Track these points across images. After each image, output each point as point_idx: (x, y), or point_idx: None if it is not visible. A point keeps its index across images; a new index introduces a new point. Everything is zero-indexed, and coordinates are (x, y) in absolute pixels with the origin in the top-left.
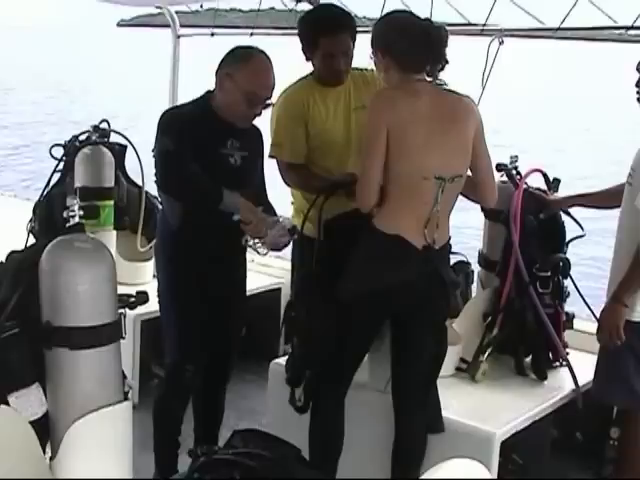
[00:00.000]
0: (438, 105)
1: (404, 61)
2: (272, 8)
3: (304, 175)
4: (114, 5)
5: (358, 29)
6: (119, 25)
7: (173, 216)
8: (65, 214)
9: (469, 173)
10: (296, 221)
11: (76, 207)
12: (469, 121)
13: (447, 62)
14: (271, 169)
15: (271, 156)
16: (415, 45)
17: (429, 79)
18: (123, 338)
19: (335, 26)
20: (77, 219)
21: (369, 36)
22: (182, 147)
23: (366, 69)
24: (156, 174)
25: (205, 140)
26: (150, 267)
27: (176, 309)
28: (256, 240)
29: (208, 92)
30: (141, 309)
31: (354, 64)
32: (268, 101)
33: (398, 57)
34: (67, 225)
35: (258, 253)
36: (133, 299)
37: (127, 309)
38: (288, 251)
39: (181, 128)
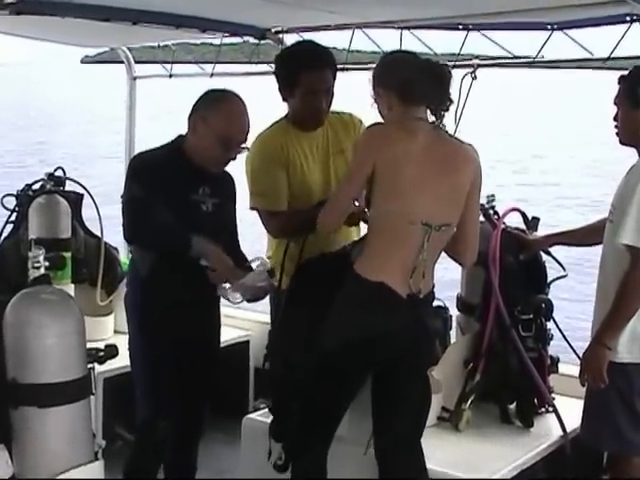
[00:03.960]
0: (434, 149)
1: (406, 91)
2: (232, 44)
3: (285, 218)
4: (76, 46)
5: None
6: (83, 62)
7: (143, 264)
8: (30, 265)
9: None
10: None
11: (41, 257)
12: (466, 171)
13: (452, 102)
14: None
15: (252, 208)
16: (417, 74)
17: (432, 119)
18: (93, 394)
19: (318, 61)
20: (42, 270)
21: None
22: (151, 194)
23: (343, 112)
24: (122, 222)
25: (176, 186)
26: (111, 322)
27: (146, 360)
28: (229, 288)
29: (180, 136)
30: (103, 366)
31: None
32: (243, 145)
33: (399, 88)
34: (33, 277)
35: (232, 303)
36: (102, 353)
37: (96, 363)
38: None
39: (151, 174)
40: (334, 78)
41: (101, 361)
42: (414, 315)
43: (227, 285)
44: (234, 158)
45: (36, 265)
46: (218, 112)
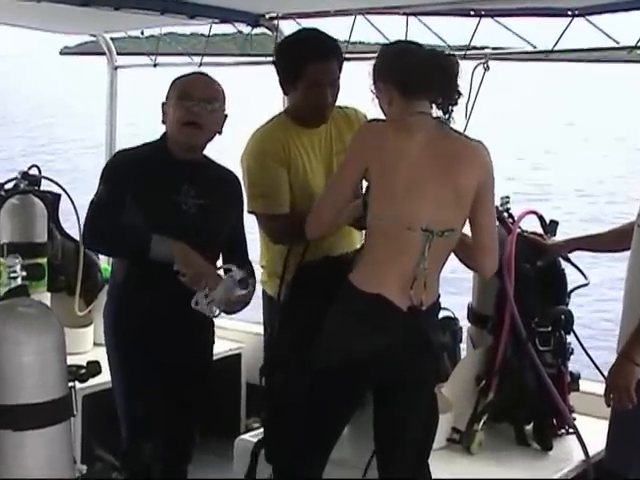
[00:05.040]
0: (435, 147)
1: (405, 83)
2: (224, 34)
3: (287, 222)
4: (54, 33)
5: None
6: (62, 53)
7: (119, 269)
8: (6, 275)
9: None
10: (269, 286)
11: (18, 267)
12: (472, 169)
13: (460, 95)
14: None
15: (251, 212)
16: (416, 65)
17: (440, 115)
18: (74, 415)
19: (324, 51)
20: (19, 281)
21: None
22: (116, 197)
23: (347, 107)
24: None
25: (154, 186)
26: (90, 334)
27: (124, 376)
28: (208, 298)
29: (165, 133)
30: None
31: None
32: (212, 108)
33: (399, 80)
34: (8, 288)
35: (207, 315)
36: (84, 370)
37: (77, 382)
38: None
39: (126, 173)
40: (340, 70)
41: (83, 379)
42: (416, 329)
43: (202, 293)
44: (210, 132)
45: (12, 275)
46: (176, 84)
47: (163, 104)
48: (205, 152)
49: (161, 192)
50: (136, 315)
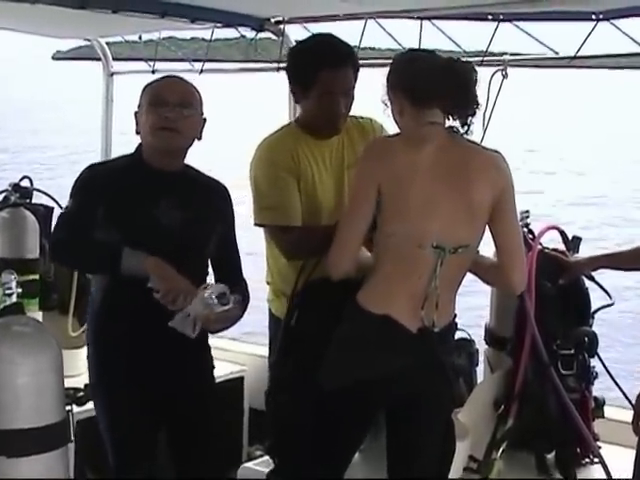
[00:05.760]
0: (446, 157)
1: (415, 91)
2: (227, 39)
3: (302, 234)
4: (46, 37)
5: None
6: (55, 58)
7: (96, 290)
8: (0, 292)
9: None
10: (275, 305)
11: (13, 283)
12: (486, 180)
13: (478, 104)
14: None
15: (259, 224)
16: (426, 71)
17: (454, 125)
18: (71, 441)
19: (338, 57)
20: (14, 298)
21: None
22: (85, 210)
23: (362, 117)
24: None
25: (127, 198)
26: (84, 355)
27: (103, 405)
28: (182, 314)
29: (141, 144)
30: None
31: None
32: (188, 114)
33: (408, 88)
34: (3, 305)
35: (185, 333)
36: (81, 393)
37: (74, 405)
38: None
39: (95, 188)
40: (355, 79)
41: (80, 403)
42: (427, 351)
43: (182, 314)
44: (188, 137)
45: (8, 292)
46: (148, 90)
47: (135, 113)
48: (210, 163)
49: (137, 206)
50: (116, 343)
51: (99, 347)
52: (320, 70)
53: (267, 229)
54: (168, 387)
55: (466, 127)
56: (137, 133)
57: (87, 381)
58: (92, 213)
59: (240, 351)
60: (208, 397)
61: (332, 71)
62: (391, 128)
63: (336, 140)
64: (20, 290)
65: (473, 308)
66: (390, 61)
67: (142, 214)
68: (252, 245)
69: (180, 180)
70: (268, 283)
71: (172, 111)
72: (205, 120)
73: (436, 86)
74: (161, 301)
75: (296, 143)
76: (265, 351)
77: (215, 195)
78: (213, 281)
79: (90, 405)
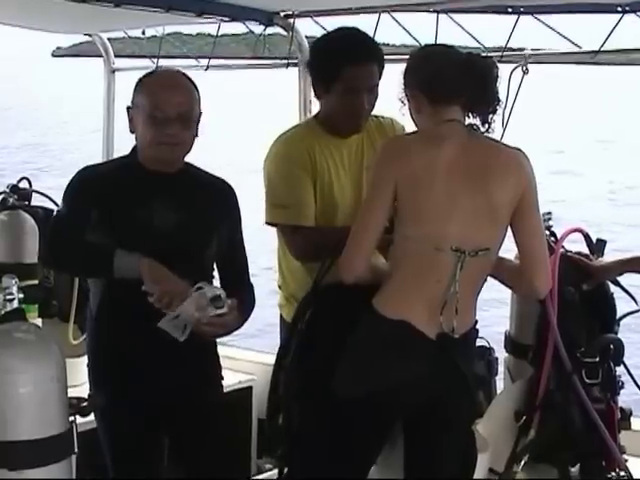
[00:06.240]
0: (465, 156)
1: (432, 88)
2: (234, 34)
3: (314, 234)
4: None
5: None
6: (54, 55)
7: (94, 295)
8: (1, 297)
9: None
10: (286, 311)
11: (14, 289)
12: (507, 181)
13: (499, 101)
14: None
15: (271, 223)
16: (445, 67)
17: (474, 122)
18: (75, 453)
19: (364, 52)
20: (16, 304)
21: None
22: (78, 212)
23: (384, 117)
24: None
25: (122, 200)
26: (85, 364)
27: (103, 419)
28: (173, 316)
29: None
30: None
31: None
32: (189, 124)
33: (426, 84)
34: (3, 311)
35: (174, 336)
36: (85, 403)
37: (78, 416)
38: (261, 340)
39: (88, 190)
40: (380, 75)
41: (84, 413)
42: (446, 359)
43: (172, 315)
44: (184, 147)
45: (9, 297)
46: (141, 88)
47: (129, 108)
48: (215, 161)
49: (131, 208)
50: (114, 351)
51: (98, 356)
52: (344, 65)
53: (278, 228)
54: (171, 398)
55: (487, 125)
56: (132, 132)
57: (87, 391)
58: (85, 216)
59: (248, 359)
60: (214, 409)
61: (356, 66)
62: (408, 127)
63: (356, 139)
64: (22, 295)
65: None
66: (405, 57)
67: (136, 217)
68: None
69: (177, 181)
70: (279, 287)
71: (172, 127)
72: (201, 113)
73: (455, 83)
74: (156, 305)
75: (314, 140)
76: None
77: (218, 194)
78: (219, 284)
79: (90, 417)
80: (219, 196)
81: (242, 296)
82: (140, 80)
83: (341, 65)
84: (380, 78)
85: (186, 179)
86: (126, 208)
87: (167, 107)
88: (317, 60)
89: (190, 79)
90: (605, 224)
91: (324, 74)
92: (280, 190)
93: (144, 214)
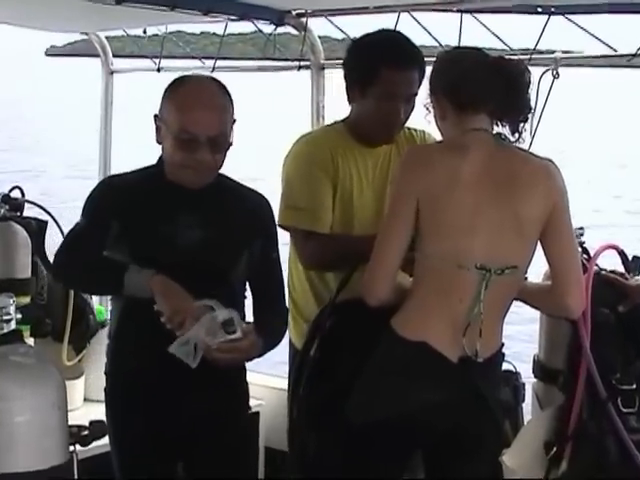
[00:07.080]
0: (492, 167)
1: (457, 94)
2: (241, 34)
3: (329, 242)
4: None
5: None
6: (48, 54)
7: (113, 314)
8: None
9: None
10: (294, 333)
11: (12, 308)
12: (536, 192)
13: (530, 109)
14: None
15: (283, 226)
16: (472, 72)
17: (506, 133)
18: None
19: (408, 57)
20: (13, 325)
21: None
22: (96, 226)
23: (416, 129)
24: None
25: (146, 215)
26: (80, 387)
27: (117, 451)
28: (182, 340)
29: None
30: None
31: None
32: (218, 145)
33: (451, 90)
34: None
35: (185, 361)
36: (86, 432)
37: (78, 445)
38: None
39: (109, 202)
40: (420, 85)
41: (85, 443)
42: (469, 384)
43: (182, 339)
44: (212, 164)
45: (6, 318)
46: (170, 101)
47: (156, 117)
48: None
49: (153, 221)
50: (131, 376)
51: (115, 380)
52: (383, 68)
53: (290, 232)
54: (191, 429)
55: (517, 134)
56: (158, 143)
57: (82, 416)
58: (103, 230)
59: (256, 383)
60: (235, 441)
61: (398, 71)
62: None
63: (384, 150)
64: (20, 315)
65: None
66: (427, 59)
67: (158, 231)
68: None
69: (206, 195)
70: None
71: (200, 152)
72: (235, 120)
73: (482, 88)
74: (167, 325)
75: (339, 144)
76: (284, 384)
77: (251, 208)
78: (218, 304)
79: (94, 444)
80: (252, 210)
81: (271, 320)
82: (170, 87)
83: (380, 67)
84: (419, 88)
85: (216, 193)
86: (148, 222)
87: (196, 129)
88: (356, 60)
89: (224, 88)
90: None
91: (362, 75)
92: (296, 191)
93: (167, 229)
